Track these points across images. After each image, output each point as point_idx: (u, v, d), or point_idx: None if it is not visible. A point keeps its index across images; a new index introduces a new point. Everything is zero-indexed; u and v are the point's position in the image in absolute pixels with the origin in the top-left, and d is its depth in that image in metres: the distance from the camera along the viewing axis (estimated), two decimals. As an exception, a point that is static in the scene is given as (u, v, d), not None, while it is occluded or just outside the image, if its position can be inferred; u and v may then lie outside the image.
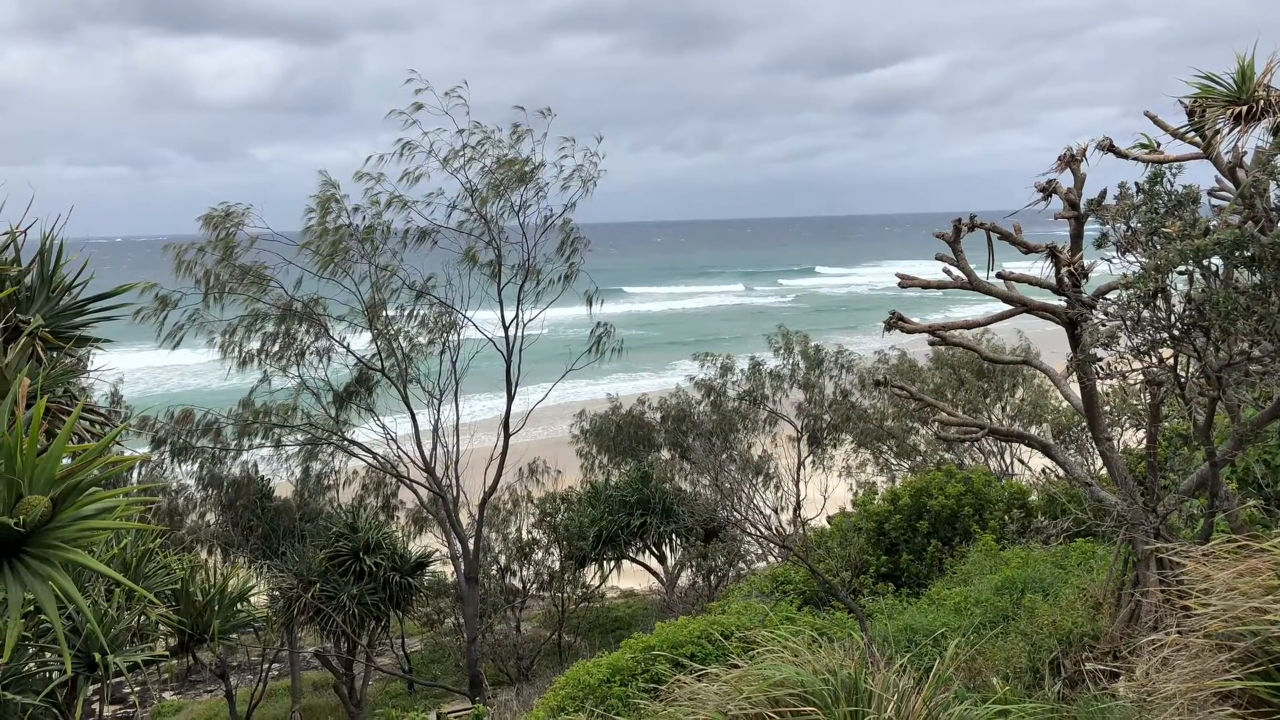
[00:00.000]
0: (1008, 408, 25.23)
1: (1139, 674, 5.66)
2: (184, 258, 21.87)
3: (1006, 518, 15.57)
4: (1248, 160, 7.91)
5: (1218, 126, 7.94)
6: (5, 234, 5.63)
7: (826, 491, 25.22)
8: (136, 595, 7.17)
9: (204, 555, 21.69)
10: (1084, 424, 15.25)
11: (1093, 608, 8.92)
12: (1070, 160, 8.55)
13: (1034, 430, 22.88)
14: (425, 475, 23.25)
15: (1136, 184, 7.53)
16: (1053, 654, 8.42)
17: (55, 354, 5.90)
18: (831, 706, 5.08)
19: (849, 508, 20.17)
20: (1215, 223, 7.05)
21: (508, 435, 23.37)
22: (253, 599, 10.38)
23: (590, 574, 25.71)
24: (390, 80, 31.70)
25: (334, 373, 23.66)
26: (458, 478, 23.64)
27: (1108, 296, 8.12)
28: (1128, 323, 7.31)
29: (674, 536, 24.08)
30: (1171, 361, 7.51)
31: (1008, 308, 8.88)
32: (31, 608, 3.52)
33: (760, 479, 25.16)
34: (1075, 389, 9.08)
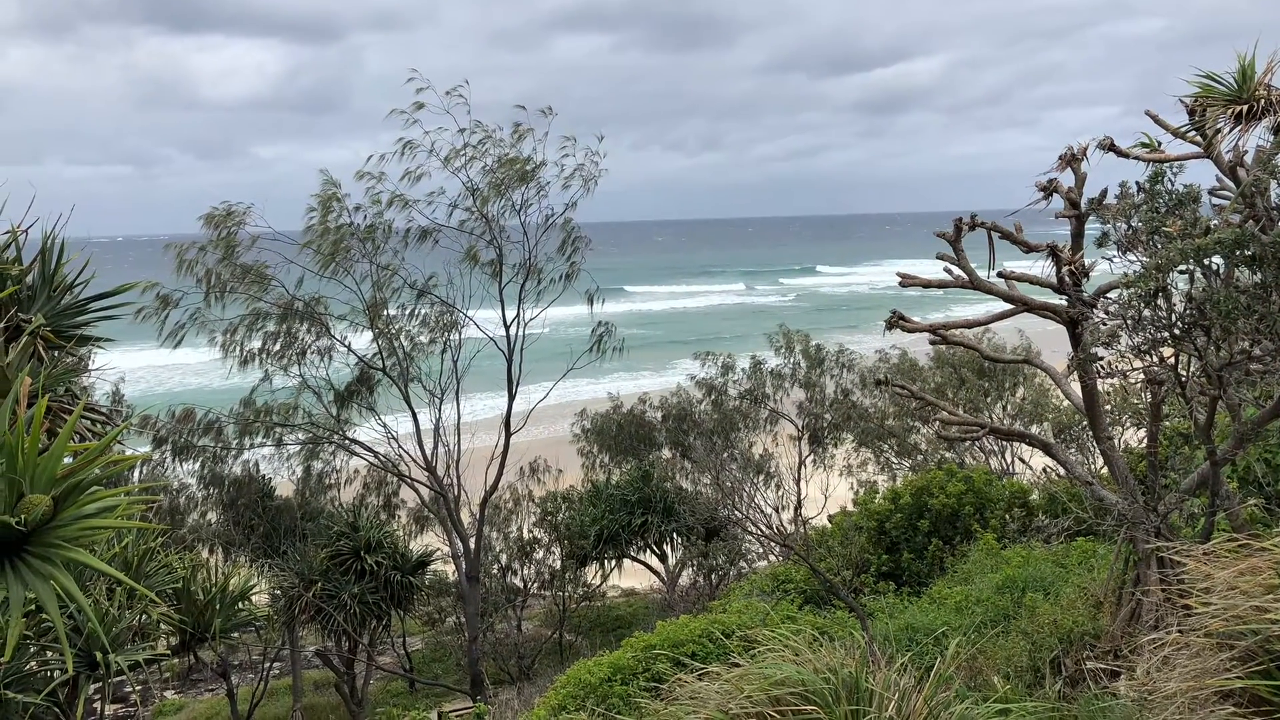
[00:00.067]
0: (1009, 407, 25.22)
1: (1140, 673, 5.66)
2: (185, 257, 21.91)
3: (1007, 517, 15.58)
4: (1248, 159, 7.91)
5: (1218, 126, 7.94)
6: (7, 233, 5.63)
7: (827, 490, 25.21)
8: (138, 594, 7.16)
9: (205, 554, 21.70)
10: (1085, 423, 15.23)
11: (1094, 607, 8.92)
12: (1071, 159, 8.54)
13: (1035, 429, 22.86)
14: (426, 474, 23.26)
15: (1137, 183, 7.53)
16: (1054, 653, 8.42)
17: (56, 353, 5.90)
18: (833, 705, 5.08)
19: (850, 507, 20.19)
20: (1216, 222, 7.05)
21: (509, 434, 23.39)
22: (254, 598, 10.38)
23: (591, 573, 25.73)
24: (391, 79, 31.74)
25: (335, 372, 23.67)
26: (459, 477, 23.66)
27: (1109, 295, 8.11)
28: (1128, 322, 7.31)
29: (675, 535, 24.11)
30: (1172, 360, 7.51)
31: (1009, 307, 8.87)
32: (33, 607, 3.52)
33: (761, 478, 25.12)
34: (1076, 388, 9.07)
